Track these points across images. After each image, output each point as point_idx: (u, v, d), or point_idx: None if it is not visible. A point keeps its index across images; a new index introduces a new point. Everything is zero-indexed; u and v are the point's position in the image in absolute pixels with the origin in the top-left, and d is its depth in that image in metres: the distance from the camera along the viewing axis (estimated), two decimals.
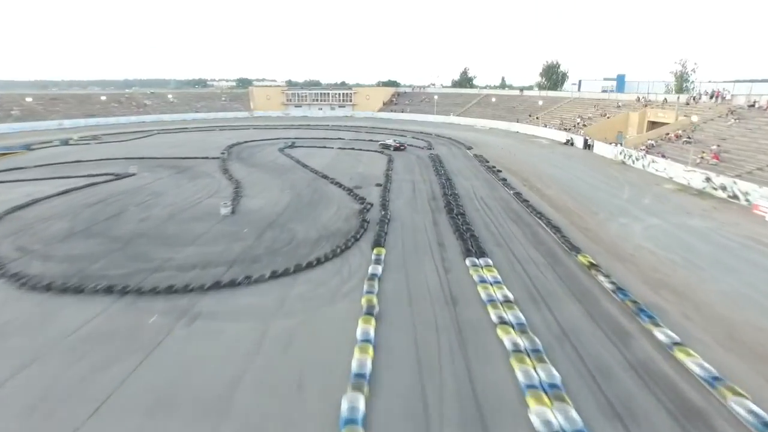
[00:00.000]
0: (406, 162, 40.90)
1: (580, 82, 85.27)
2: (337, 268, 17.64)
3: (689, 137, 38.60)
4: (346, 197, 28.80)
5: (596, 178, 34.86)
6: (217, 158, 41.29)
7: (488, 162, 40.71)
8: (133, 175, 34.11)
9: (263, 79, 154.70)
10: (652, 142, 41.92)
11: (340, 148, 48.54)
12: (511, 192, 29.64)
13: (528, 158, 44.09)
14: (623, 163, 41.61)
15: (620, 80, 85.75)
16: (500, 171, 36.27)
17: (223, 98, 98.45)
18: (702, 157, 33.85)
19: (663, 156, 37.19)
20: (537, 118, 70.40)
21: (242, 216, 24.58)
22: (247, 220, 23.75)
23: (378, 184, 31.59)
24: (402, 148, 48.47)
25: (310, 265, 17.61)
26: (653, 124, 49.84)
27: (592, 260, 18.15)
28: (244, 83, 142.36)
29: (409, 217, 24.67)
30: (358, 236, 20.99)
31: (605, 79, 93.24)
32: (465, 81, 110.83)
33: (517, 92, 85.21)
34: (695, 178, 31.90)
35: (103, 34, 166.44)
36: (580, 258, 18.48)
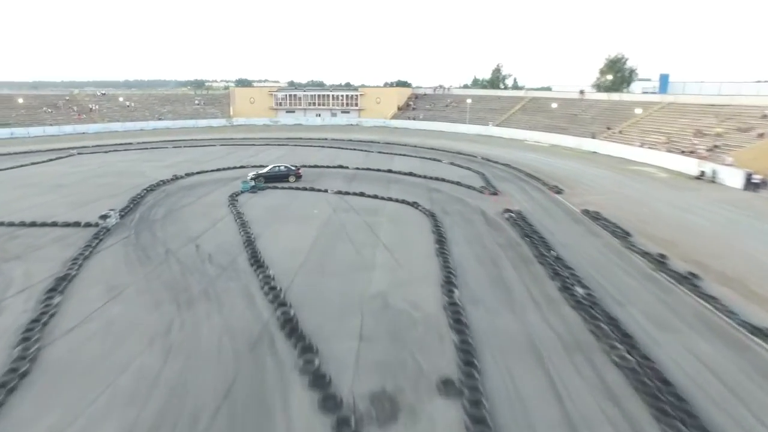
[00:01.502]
0: (470, 242, 20.30)
1: (664, 78, 64.35)
2: None
3: None
4: None
5: None
6: (95, 226, 20.83)
7: (638, 242, 20.03)
8: None
9: (265, 80, 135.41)
10: None
11: (338, 192, 27.95)
12: None
13: (702, 224, 23.33)
14: None
15: (664, 80, 65.35)
16: (695, 276, 15.58)
17: (197, 101, 78.17)
18: None
19: None
20: (620, 132, 49.59)
21: None
22: None
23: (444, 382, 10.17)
24: (293, 175, 31.17)
25: None
26: None
27: None
28: (244, 84, 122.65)
29: None
30: None
31: (638, 80, 73.22)
32: (497, 81, 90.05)
33: (576, 94, 64.39)
34: None
35: (102, 34, 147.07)
36: None
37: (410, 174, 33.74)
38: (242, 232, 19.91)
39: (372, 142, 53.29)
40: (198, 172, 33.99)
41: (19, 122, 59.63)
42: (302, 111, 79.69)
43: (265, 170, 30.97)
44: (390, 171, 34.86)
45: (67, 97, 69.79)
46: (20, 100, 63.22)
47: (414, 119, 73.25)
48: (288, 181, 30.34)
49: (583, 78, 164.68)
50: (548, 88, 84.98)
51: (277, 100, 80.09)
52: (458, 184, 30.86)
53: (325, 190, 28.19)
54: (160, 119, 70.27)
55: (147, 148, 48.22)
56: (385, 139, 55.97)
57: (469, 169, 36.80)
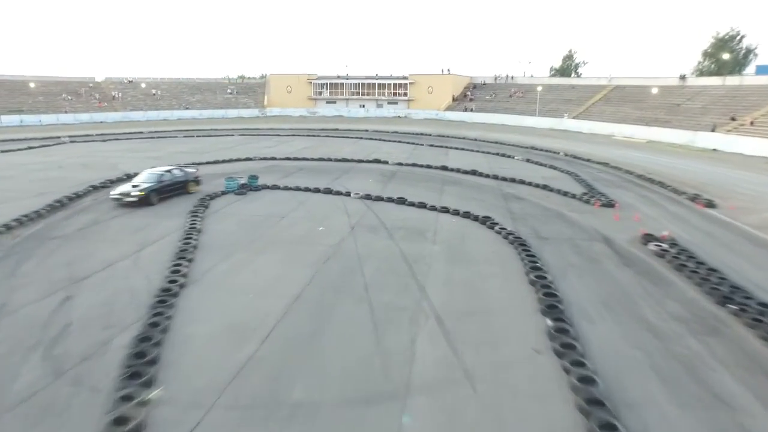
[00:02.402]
0: (613, 311, 10.52)
1: None
2: None
3: None
4: None
5: None
6: None
7: None
8: None
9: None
10: None
11: (366, 197, 18.59)
12: None
13: None
14: None
15: None
16: None
17: (229, 91, 71.00)
18: None
19: None
20: (750, 123, 37.32)
21: None
22: None
23: None
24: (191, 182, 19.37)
25: None
26: None
27: None
28: None
29: None
30: None
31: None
32: (569, 69, 77.90)
33: (674, 80, 51.94)
34: None
35: (132, 31, 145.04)
36: None
37: (473, 173, 23.81)
38: (172, 269, 10.65)
39: (421, 134, 43.52)
40: (191, 164, 25.41)
41: (33, 109, 53.96)
42: (344, 101, 70.96)
43: (139, 178, 18.07)
44: (444, 168, 25.02)
45: (91, 84, 64.05)
46: (32, 85, 57.66)
47: (470, 111, 62.80)
48: (188, 192, 18.75)
49: (670, 64, 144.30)
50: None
51: (316, 89, 71.78)
52: (546, 188, 20.63)
53: (347, 193, 18.70)
54: (186, 108, 63.43)
55: (153, 138, 40.51)
56: (438, 131, 46.06)
57: (554, 168, 26.35)
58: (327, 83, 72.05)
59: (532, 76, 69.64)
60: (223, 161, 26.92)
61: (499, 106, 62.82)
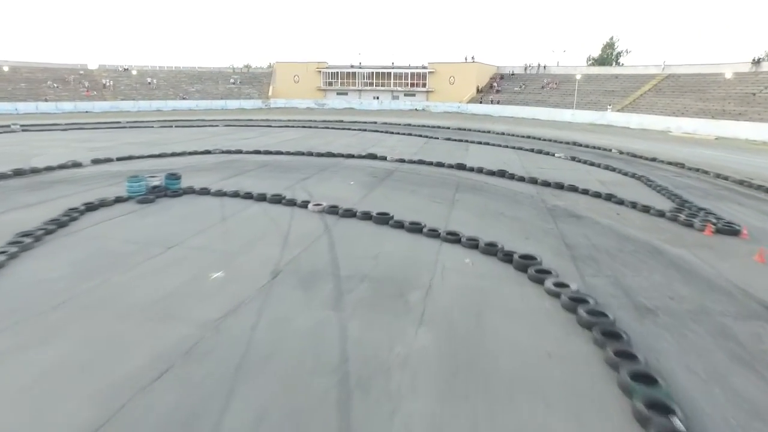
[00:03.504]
0: None
1: None
2: None
3: None
4: None
5: None
6: None
7: None
8: None
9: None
10: None
11: (331, 210, 11.62)
12: None
13: None
14: None
15: None
16: None
17: (232, 80, 65.17)
18: None
19: None
20: None
21: None
22: None
23: None
24: None
25: None
26: None
27: None
28: None
29: None
30: None
31: None
32: (609, 59, 69.65)
33: (747, 66, 43.65)
34: None
35: (135, 18, 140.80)
36: None
37: (501, 174, 16.82)
38: None
39: (438, 127, 36.65)
40: (127, 158, 19.29)
41: (11, 97, 48.86)
42: (357, 93, 64.36)
43: None
44: (461, 167, 18.09)
45: (82, 72, 58.95)
46: (5, 69, 52.59)
47: (497, 103, 55.44)
48: None
49: (736, 47, 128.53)
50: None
51: (326, 78, 65.34)
52: (613, 199, 13.49)
53: (303, 204, 11.93)
54: (183, 98, 57.77)
55: (125, 128, 34.66)
56: (458, 125, 39.02)
57: (612, 169, 19.19)
58: (338, 72, 65.50)
59: (567, 66, 61.77)
60: (172, 155, 20.56)
61: (530, 98, 55.30)
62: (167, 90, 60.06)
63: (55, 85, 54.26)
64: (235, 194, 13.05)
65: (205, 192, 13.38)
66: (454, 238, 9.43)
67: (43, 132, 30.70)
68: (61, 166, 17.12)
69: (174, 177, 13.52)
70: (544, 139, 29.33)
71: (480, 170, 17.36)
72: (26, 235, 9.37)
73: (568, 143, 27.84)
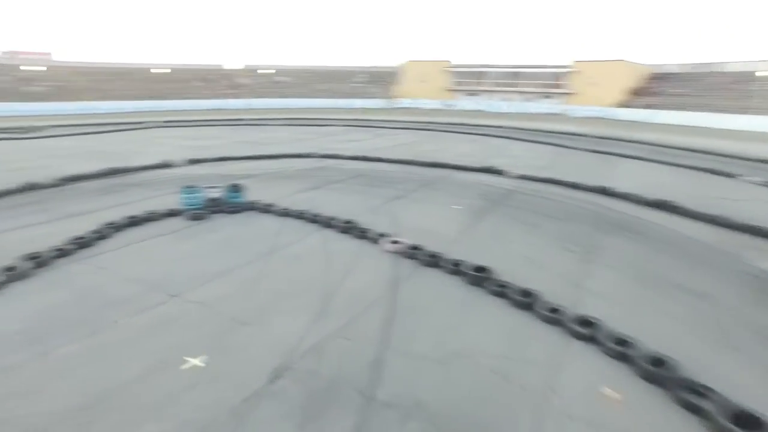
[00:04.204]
0: None
1: None
2: None
3: None
4: None
5: None
6: None
7: None
8: None
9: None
10: None
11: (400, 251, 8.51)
12: None
13: None
14: None
15: None
16: None
17: (358, 80, 64.90)
18: None
19: None
20: None
21: None
22: None
23: None
24: None
25: None
26: None
27: None
28: None
29: None
30: None
31: None
32: None
33: None
34: None
35: (288, 18, 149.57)
36: None
37: (663, 206, 11.99)
38: None
39: (575, 134, 31.25)
40: (221, 159, 18.22)
41: (169, 95, 53.51)
42: (487, 94, 59.89)
43: None
44: (604, 192, 13.58)
45: (222, 72, 63.06)
46: (155, 71, 57.48)
47: (653, 107, 47.22)
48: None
49: None
50: None
51: (454, 78, 61.82)
52: None
53: (377, 238, 8.82)
54: (310, 98, 58.62)
55: (247, 126, 35.06)
56: (602, 132, 33.05)
57: None
58: (467, 72, 61.60)
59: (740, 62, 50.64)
60: (267, 157, 19.00)
61: (697, 101, 46.11)
62: (299, 88, 61.50)
63: (200, 84, 58.37)
64: (300, 215, 10.43)
65: (267, 209, 10.97)
66: (589, 332, 5.60)
67: (179, 129, 31.89)
68: (147, 167, 16.21)
69: (236, 189, 11.32)
70: (718, 154, 22.74)
71: (632, 198, 12.75)
72: (33, 258, 7.64)
73: (754, 160, 21.14)
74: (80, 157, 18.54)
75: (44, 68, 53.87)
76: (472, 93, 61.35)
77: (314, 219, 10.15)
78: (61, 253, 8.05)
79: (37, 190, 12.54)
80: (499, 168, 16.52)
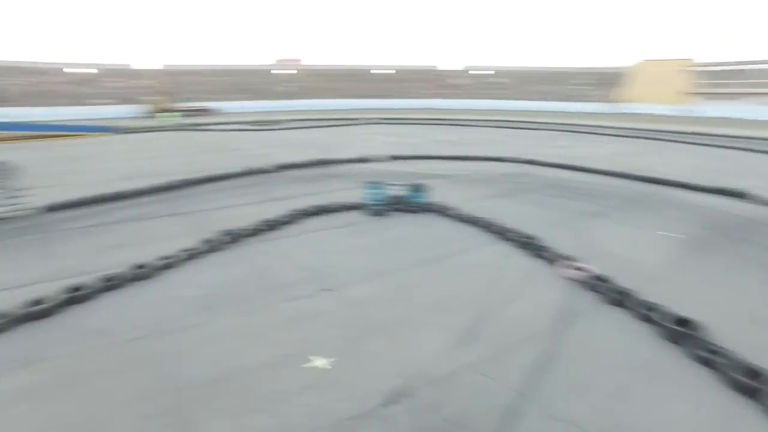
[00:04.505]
0: None
1: None
2: None
3: None
4: None
5: None
6: None
7: None
8: None
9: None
10: None
11: None
12: None
13: None
14: None
15: None
16: None
17: (575, 81, 60.20)
18: None
19: None
20: None
21: None
22: None
23: None
24: None
25: None
26: None
27: None
28: None
29: None
30: None
31: None
32: None
33: None
34: None
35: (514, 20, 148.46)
36: None
37: None
38: None
39: None
40: (417, 157, 18.90)
41: (384, 94, 58.21)
42: (745, 97, 49.33)
43: None
44: None
45: (441, 73, 65.39)
46: (375, 72, 61.93)
47: None
48: None
49: None
50: None
51: (695, 79, 52.45)
52: None
53: (554, 259, 7.66)
54: (532, 99, 56.71)
55: (452, 125, 35.67)
56: None
57: None
58: (713, 71, 51.61)
59: None
60: (461, 158, 18.75)
61: None
62: (516, 89, 60.07)
63: (418, 84, 61.71)
64: (477, 222, 9.74)
65: (445, 212, 10.57)
66: None
67: (388, 126, 34.32)
68: (348, 161, 17.39)
69: (418, 189, 11.19)
70: None
71: None
72: (228, 233, 8.68)
73: None
74: (299, 147, 21.04)
75: (294, 71, 63.45)
76: (719, 96, 51.31)
77: (490, 228, 9.34)
78: (252, 232, 8.94)
79: (255, 174, 14.45)
80: (741, 190, 13.04)
